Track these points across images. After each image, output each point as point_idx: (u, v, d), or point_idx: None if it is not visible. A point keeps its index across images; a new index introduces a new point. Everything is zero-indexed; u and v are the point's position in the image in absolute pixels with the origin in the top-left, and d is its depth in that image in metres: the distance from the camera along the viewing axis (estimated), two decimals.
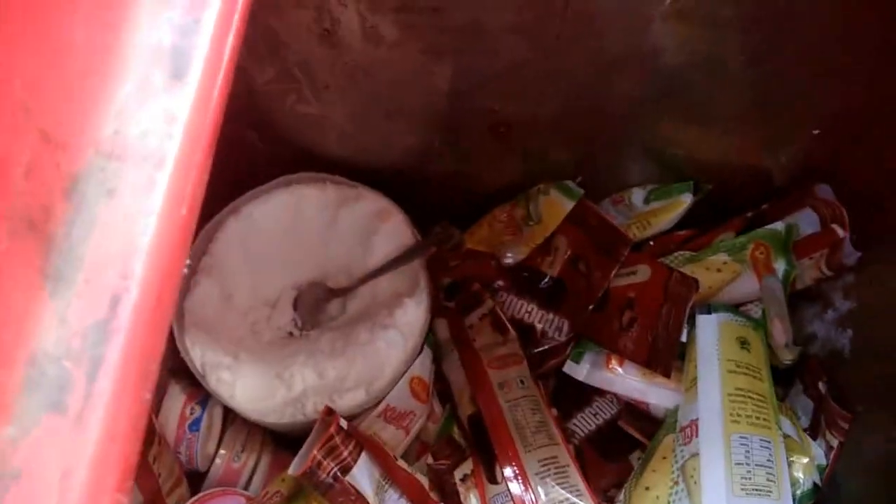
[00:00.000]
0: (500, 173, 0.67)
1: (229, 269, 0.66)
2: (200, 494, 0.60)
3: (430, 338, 0.65)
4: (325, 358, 0.64)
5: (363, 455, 0.54)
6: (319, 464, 0.53)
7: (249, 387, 0.63)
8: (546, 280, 0.67)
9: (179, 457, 0.62)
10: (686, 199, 0.63)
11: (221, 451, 0.65)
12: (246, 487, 0.65)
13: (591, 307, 0.63)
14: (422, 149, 0.64)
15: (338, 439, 0.53)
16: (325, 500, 0.54)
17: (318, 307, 0.69)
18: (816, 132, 0.55)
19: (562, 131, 0.60)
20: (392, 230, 0.66)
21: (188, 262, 0.60)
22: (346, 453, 0.54)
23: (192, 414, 0.63)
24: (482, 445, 0.60)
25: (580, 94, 0.56)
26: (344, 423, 0.54)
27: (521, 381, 0.62)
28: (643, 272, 0.61)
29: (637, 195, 0.65)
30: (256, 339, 0.67)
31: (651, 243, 0.65)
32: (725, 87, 0.53)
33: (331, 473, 0.53)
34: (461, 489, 0.58)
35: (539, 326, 0.66)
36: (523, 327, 0.66)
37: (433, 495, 0.57)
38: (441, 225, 0.70)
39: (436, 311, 0.66)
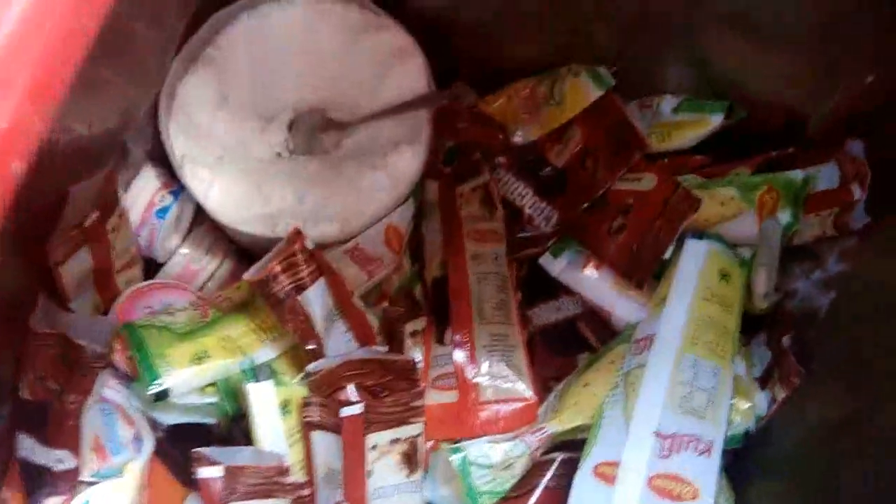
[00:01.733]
0: (532, 42, 0.63)
1: (231, 67, 0.63)
2: (152, 281, 0.59)
3: (417, 194, 0.64)
4: (308, 184, 0.62)
5: (320, 280, 0.53)
6: (276, 276, 0.52)
7: (226, 191, 0.62)
8: (548, 169, 0.65)
9: (139, 239, 0.61)
10: (715, 120, 0.60)
11: (184, 250, 0.64)
12: (199, 290, 0.65)
13: (585, 205, 0.61)
14: None
15: (300, 257, 0.52)
16: (273, 314, 0.54)
17: (313, 135, 0.66)
18: (870, 79, 0.52)
19: (608, 10, 0.56)
20: (408, 73, 0.63)
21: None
22: (304, 273, 0.53)
23: (161, 201, 0.61)
24: (439, 309, 0.59)
25: None
26: (310, 245, 0.53)
27: (495, 258, 0.61)
28: (648, 181, 0.59)
29: (667, 103, 0.62)
30: (244, 148, 0.65)
31: (665, 160, 0.62)
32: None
33: (285, 289, 0.52)
34: (408, 341, 0.58)
35: (528, 212, 0.64)
36: (512, 209, 0.64)
37: (379, 338, 0.57)
38: (457, 84, 0.67)
39: (430, 170, 0.64)
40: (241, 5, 0.62)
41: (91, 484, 0.52)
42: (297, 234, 0.54)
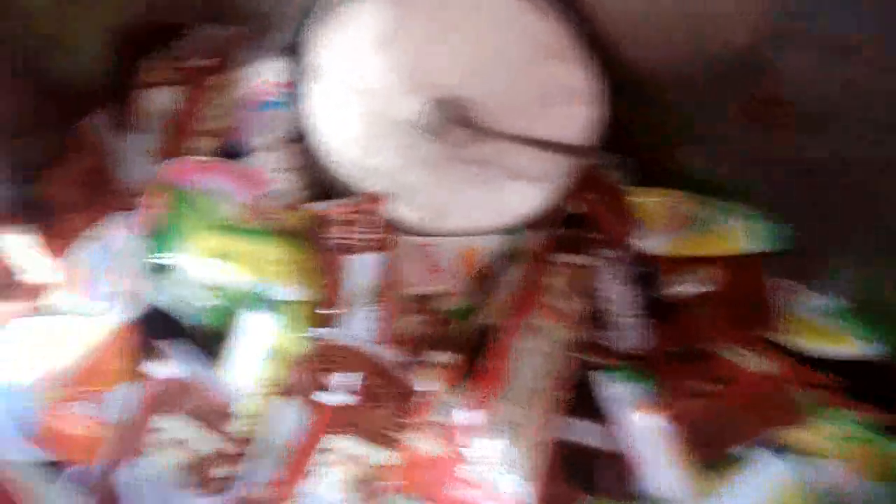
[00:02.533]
0: (716, 159, 0.56)
1: (411, 15, 0.59)
2: (219, 159, 0.54)
3: (516, 236, 0.57)
4: (420, 163, 0.57)
5: (375, 255, 0.48)
6: (335, 222, 0.47)
7: (341, 122, 0.57)
8: (659, 291, 0.57)
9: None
10: (863, 348, 0.52)
11: (268, 155, 0.59)
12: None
13: (678, 350, 0.54)
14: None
15: (368, 220, 0.47)
16: (313, 259, 0.48)
17: (447, 123, 0.61)
18: None
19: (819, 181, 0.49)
20: (571, 116, 0.57)
21: None
22: (363, 237, 0.47)
23: (271, 95, 0.57)
24: (474, 358, 0.52)
25: None
26: (386, 215, 0.48)
27: (555, 342, 0.53)
28: (757, 362, 0.51)
29: (819, 301, 0.54)
30: (380, 97, 0.60)
31: (787, 356, 0.54)
32: None
33: (336, 240, 0.47)
34: (427, 370, 0.50)
35: (615, 320, 0.56)
36: (598, 310, 0.57)
37: (401, 348, 0.49)
38: (620, 157, 0.61)
39: (539, 221, 0.58)
40: None
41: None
42: (380, 198, 0.48)
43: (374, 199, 0.49)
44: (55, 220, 0.48)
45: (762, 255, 0.55)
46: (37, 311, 0.48)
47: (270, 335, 0.46)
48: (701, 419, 0.50)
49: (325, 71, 0.57)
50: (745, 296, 0.54)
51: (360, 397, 0.45)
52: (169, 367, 0.43)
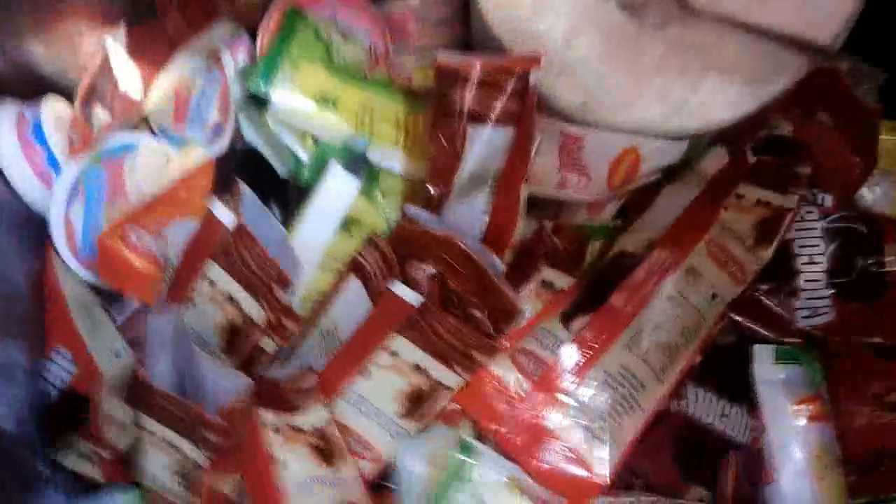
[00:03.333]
0: None
1: None
2: None
3: (697, 147, 0.44)
4: (597, 34, 0.44)
5: (508, 129, 0.38)
6: (467, 81, 0.37)
7: None
8: (872, 263, 0.42)
9: None
10: None
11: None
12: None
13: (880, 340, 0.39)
14: None
15: (511, 87, 0.37)
16: (431, 124, 0.39)
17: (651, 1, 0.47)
18: None
19: None
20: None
21: None
22: (498, 105, 0.38)
23: None
24: (597, 288, 0.41)
25: None
26: (535, 84, 0.37)
27: (713, 296, 0.41)
28: None
29: None
30: None
31: None
32: None
33: (464, 105, 0.37)
34: (533, 286, 0.40)
35: (801, 286, 0.42)
36: (784, 266, 0.43)
37: (510, 253, 0.40)
38: (874, 67, 0.45)
39: (735, 134, 0.44)
40: None
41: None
42: (535, 61, 0.37)
43: (527, 61, 0.38)
44: (156, 18, 0.42)
45: None
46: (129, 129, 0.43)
47: (352, 201, 0.38)
48: (875, 438, 0.36)
49: None
50: None
51: (442, 304, 0.36)
52: (240, 214, 0.37)
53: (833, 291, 0.42)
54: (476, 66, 0.39)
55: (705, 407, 0.41)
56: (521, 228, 0.40)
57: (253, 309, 0.37)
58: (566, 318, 0.40)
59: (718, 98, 0.42)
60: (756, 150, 0.45)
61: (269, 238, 0.37)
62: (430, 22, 0.50)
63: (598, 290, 0.40)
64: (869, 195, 0.43)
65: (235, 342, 0.36)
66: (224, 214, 0.37)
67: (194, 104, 0.45)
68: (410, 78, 0.45)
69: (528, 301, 0.39)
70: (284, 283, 0.36)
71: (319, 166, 0.39)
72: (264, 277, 0.36)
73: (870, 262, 0.42)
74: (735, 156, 0.44)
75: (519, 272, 0.40)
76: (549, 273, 0.40)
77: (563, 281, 0.41)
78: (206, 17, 0.43)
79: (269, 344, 0.37)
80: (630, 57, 0.43)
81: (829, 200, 0.43)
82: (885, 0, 0.41)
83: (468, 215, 0.39)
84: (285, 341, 0.38)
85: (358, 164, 0.39)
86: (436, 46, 0.48)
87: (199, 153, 0.44)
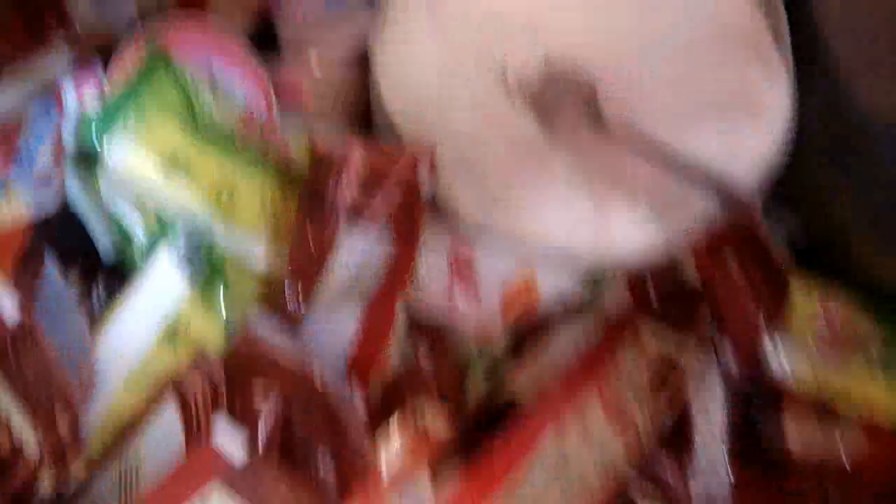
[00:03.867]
0: None
1: None
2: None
3: (600, 284, 0.40)
4: (502, 138, 0.39)
5: (390, 231, 0.31)
6: (341, 170, 0.30)
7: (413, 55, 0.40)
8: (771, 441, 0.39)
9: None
10: None
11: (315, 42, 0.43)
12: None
13: None
14: None
15: (392, 173, 0.30)
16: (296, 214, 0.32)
17: (559, 98, 0.43)
18: None
19: None
20: (740, 140, 0.39)
21: None
22: (383, 197, 0.31)
23: None
24: (473, 441, 0.34)
25: None
26: (423, 177, 0.31)
27: (602, 460, 0.35)
28: None
29: None
30: (465, 37, 0.43)
31: None
32: None
33: (338, 194, 0.31)
34: (401, 427, 0.34)
35: (696, 451, 0.38)
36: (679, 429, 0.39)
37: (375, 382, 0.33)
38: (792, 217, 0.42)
39: (640, 270, 0.40)
40: None
41: None
42: (428, 157, 0.32)
43: (419, 155, 0.32)
44: None
45: None
46: None
47: (182, 305, 0.30)
48: None
49: None
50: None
51: (284, 450, 0.28)
52: (31, 305, 0.28)
53: (727, 459, 0.38)
54: (359, 153, 0.33)
55: None
56: (395, 356, 0.33)
57: (26, 434, 0.28)
58: (434, 472, 0.33)
59: (624, 223, 0.38)
60: (659, 293, 0.41)
61: (67, 341, 0.28)
62: (327, 93, 0.44)
63: (473, 440, 0.34)
64: (773, 357, 0.39)
65: None
66: (6, 304, 0.28)
67: (22, 143, 0.37)
68: (290, 154, 0.39)
69: (393, 450, 0.32)
70: (72, 404, 0.28)
71: (151, 249, 0.31)
72: (46, 394, 0.28)
73: (771, 437, 0.39)
74: (636, 296, 0.40)
75: (385, 411, 0.33)
76: (427, 404, 0.33)
77: (436, 424, 0.34)
78: (31, 38, 0.35)
79: (45, 483, 0.28)
80: (536, 165, 0.39)
81: (731, 355, 0.40)
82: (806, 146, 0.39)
83: (332, 333, 0.32)
84: (65, 482, 0.28)
85: (199, 254, 0.31)
86: (329, 121, 0.43)
87: (17, 207, 0.35)
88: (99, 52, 0.37)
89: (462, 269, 0.36)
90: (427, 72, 0.40)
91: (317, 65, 0.41)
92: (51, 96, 0.36)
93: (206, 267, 0.31)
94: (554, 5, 0.43)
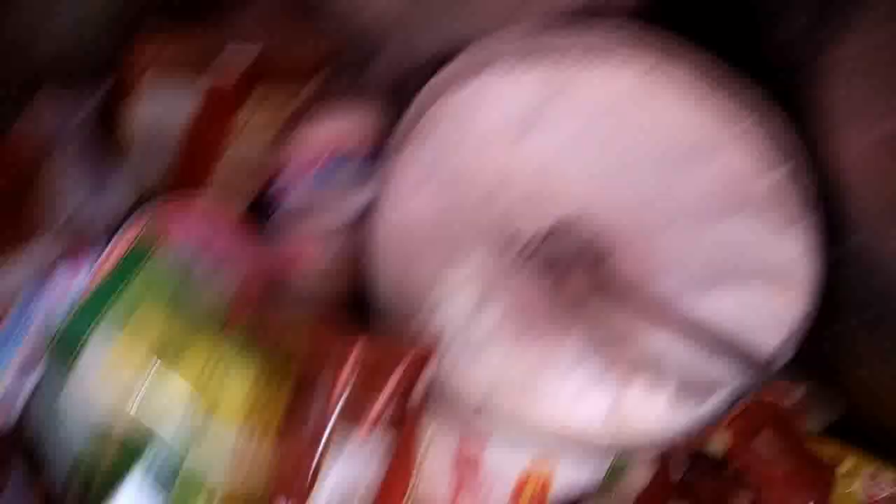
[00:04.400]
0: None
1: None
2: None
3: (619, 470, 0.36)
4: (505, 311, 0.37)
5: (384, 451, 0.28)
6: (337, 380, 0.28)
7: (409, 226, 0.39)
8: None
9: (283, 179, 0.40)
10: None
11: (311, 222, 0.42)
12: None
13: None
14: None
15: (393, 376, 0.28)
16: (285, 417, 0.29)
17: (566, 264, 0.42)
18: None
19: None
20: (769, 306, 0.36)
21: None
22: (379, 413, 0.28)
23: (353, 150, 0.40)
24: None
25: None
26: (423, 385, 0.28)
27: None
28: None
29: None
30: (479, 201, 0.42)
31: None
32: None
33: (331, 407, 0.28)
34: None
35: None
36: None
37: None
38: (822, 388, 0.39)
39: (662, 451, 0.36)
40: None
41: None
42: (430, 353, 0.30)
43: (422, 351, 0.30)
44: None
45: None
46: None
47: None
48: None
49: (422, 147, 0.40)
50: None
51: None
52: None
53: None
54: (357, 347, 0.30)
55: None
56: None
57: None
58: None
59: (643, 405, 0.35)
60: (687, 478, 0.38)
61: None
62: (322, 272, 0.42)
63: None
64: None
65: None
66: None
67: (12, 321, 0.35)
68: (284, 343, 0.36)
69: None
70: None
71: (118, 472, 0.28)
72: None
73: None
74: (658, 473, 0.37)
75: None
76: None
77: None
78: (17, 231, 0.34)
79: None
80: (546, 339, 0.37)
81: None
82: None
83: None
84: None
85: (173, 479, 0.28)
86: (323, 300, 0.41)
87: None
88: (93, 239, 0.36)
89: (467, 472, 0.33)
90: (427, 246, 0.38)
91: (310, 242, 0.40)
92: (48, 276, 0.35)
93: (180, 491, 0.28)
94: (566, 169, 0.42)
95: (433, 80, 0.39)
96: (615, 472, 0.36)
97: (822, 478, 0.34)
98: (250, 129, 0.36)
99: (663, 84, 0.39)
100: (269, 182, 0.41)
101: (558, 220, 0.42)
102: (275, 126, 0.38)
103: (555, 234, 0.42)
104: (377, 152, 0.40)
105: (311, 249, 0.42)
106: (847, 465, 0.36)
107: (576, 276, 0.41)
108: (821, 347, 0.37)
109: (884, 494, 0.36)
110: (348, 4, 0.35)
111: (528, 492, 0.33)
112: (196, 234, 0.37)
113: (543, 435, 0.34)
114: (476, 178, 0.41)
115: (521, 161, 0.42)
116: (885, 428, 0.37)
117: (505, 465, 0.33)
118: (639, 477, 0.36)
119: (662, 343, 0.36)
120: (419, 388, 0.29)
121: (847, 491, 0.36)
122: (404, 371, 0.29)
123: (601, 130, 0.40)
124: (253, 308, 0.37)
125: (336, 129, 0.39)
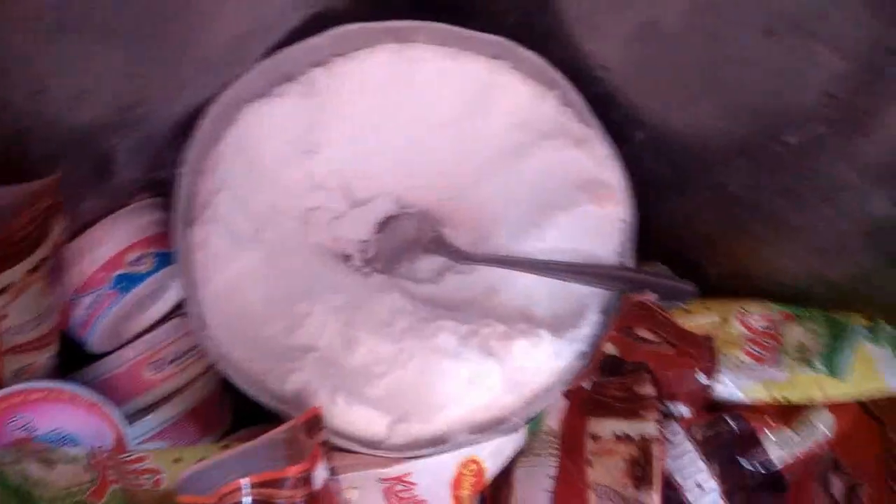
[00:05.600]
0: (805, 248, 0.37)
1: (336, 105, 0.40)
2: (35, 385, 0.33)
3: (538, 420, 0.37)
4: (371, 327, 0.37)
5: None
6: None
7: (241, 287, 0.37)
8: (758, 463, 0.38)
9: (73, 310, 0.36)
10: None
11: (140, 346, 0.39)
12: (137, 415, 0.38)
13: None
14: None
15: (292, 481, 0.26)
16: None
17: (411, 252, 0.42)
18: None
19: None
20: (601, 223, 0.38)
21: None
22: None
23: (134, 263, 0.37)
24: None
25: None
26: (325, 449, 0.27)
27: None
28: None
29: None
30: (303, 229, 0.40)
31: None
32: None
33: None
34: None
35: None
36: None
37: None
38: (660, 269, 0.42)
39: (575, 383, 0.38)
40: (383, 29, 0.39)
41: None
42: (315, 420, 0.29)
43: (310, 421, 0.29)
44: None
45: None
46: None
47: None
48: None
49: (221, 209, 0.37)
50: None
51: None
52: None
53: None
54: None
55: None
56: None
57: None
58: None
59: (534, 358, 0.36)
60: (599, 373, 0.40)
61: None
62: (170, 359, 0.40)
63: None
64: (721, 389, 0.39)
65: None
66: None
67: None
68: (153, 486, 0.33)
69: None
70: None
71: None
72: None
73: (755, 462, 0.37)
74: (571, 393, 0.38)
75: None
76: None
77: None
78: None
79: None
80: (413, 341, 0.36)
81: (685, 411, 0.39)
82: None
83: None
84: None
85: None
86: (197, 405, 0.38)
87: None
88: None
89: (398, 491, 0.33)
90: (265, 303, 0.36)
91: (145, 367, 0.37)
92: None
93: None
94: (364, 165, 0.41)
95: (192, 146, 0.36)
96: (536, 422, 0.37)
97: (703, 345, 0.37)
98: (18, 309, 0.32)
99: (417, 58, 0.39)
100: (66, 321, 0.37)
101: (384, 216, 0.42)
102: (40, 286, 0.33)
103: (385, 230, 0.42)
104: (164, 238, 0.37)
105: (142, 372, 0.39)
106: (715, 314, 0.40)
107: (420, 260, 0.41)
108: (649, 233, 0.39)
109: (759, 325, 0.39)
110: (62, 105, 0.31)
111: (465, 485, 0.33)
112: (21, 421, 0.33)
113: (456, 438, 0.34)
114: (285, 209, 0.40)
115: (321, 175, 0.40)
116: (723, 275, 0.41)
117: (436, 472, 0.33)
118: (556, 409, 0.38)
119: (521, 293, 0.37)
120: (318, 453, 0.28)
121: (729, 332, 0.39)
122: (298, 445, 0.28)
123: (378, 119, 0.40)
124: (110, 463, 0.33)
125: (111, 250, 0.36)
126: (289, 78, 0.39)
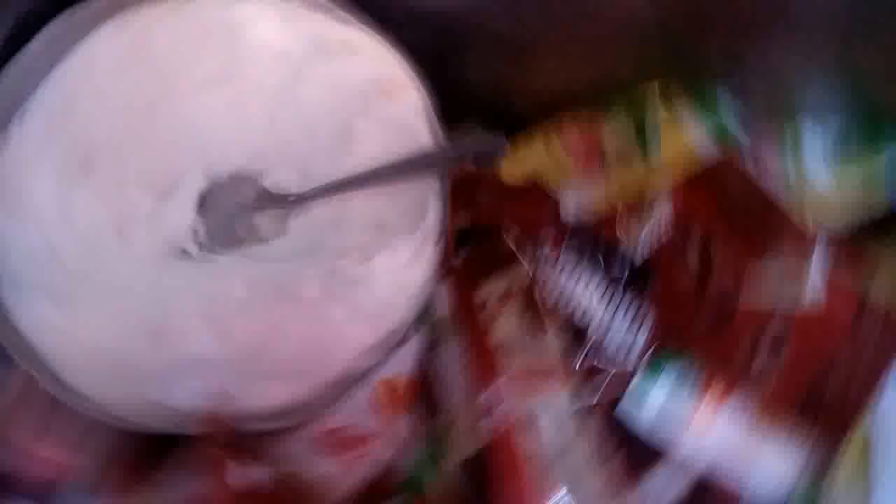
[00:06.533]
0: (586, 57, 0.39)
1: (92, 112, 0.36)
2: None
3: (429, 315, 0.39)
4: (233, 310, 0.36)
5: None
6: None
7: (82, 330, 0.35)
8: (623, 262, 0.41)
9: None
10: None
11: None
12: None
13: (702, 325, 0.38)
14: None
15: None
16: None
17: (240, 217, 0.40)
18: None
19: None
20: (397, 115, 0.38)
21: None
22: None
23: None
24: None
25: None
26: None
27: (567, 413, 0.37)
28: (812, 290, 0.36)
29: (813, 143, 0.39)
30: (124, 248, 0.38)
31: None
32: None
33: None
34: None
35: (596, 332, 0.40)
36: (573, 327, 0.40)
37: None
38: (472, 130, 0.43)
39: (443, 269, 0.39)
40: (96, 9, 0.35)
41: None
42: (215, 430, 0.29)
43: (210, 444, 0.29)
44: None
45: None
46: None
47: None
48: (790, 393, 0.35)
49: (9, 272, 0.34)
50: (736, 207, 0.39)
51: None
52: None
53: (626, 313, 0.40)
54: None
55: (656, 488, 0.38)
56: None
57: None
58: None
59: (405, 272, 0.37)
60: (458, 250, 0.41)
61: None
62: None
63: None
64: (569, 215, 0.41)
65: None
66: None
67: None
68: None
69: None
70: None
71: None
72: None
73: (623, 265, 0.41)
74: (459, 285, 0.40)
75: None
76: None
77: None
78: None
79: None
80: (263, 306, 0.36)
81: (548, 248, 0.41)
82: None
83: None
84: None
85: None
86: None
87: None
88: None
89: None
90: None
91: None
92: None
93: None
94: (209, 126, 0.38)
95: None
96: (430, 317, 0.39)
97: (543, 195, 0.39)
98: None
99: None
100: None
101: (198, 194, 0.39)
102: None
103: (205, 208, 0.40)
104: None
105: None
106: (538, 147, 0.42)
107: (244, 220, 0.39)
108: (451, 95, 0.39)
109: (578, 143, 0.42)
110: None
111: (387, 403, 0.35)
112: None
113: (359, 371, 0.35)
114: (91, 242, 0.37)
115: (106, 189, 0.37)
116: (529, 105, 0.42)
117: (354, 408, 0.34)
118: (441, 297, 0.40)
119: (363, 211, 0.37)
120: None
121: (556, 158, 0.41)
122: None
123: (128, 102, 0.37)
124: None
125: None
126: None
